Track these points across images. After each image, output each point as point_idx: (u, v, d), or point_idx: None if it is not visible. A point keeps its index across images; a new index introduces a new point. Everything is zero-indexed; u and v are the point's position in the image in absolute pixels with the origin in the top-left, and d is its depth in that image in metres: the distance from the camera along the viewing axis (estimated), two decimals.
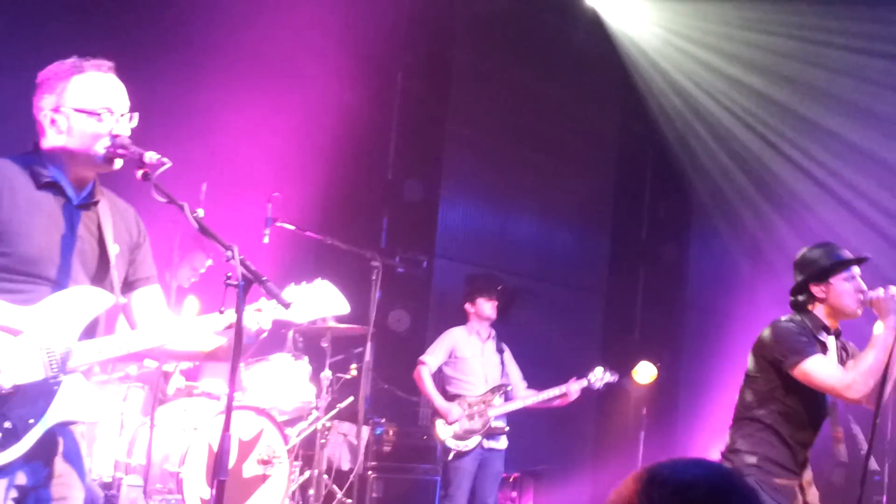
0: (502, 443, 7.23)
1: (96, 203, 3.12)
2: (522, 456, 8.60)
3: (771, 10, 8.89)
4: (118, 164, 3.07)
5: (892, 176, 9.40)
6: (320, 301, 3.33)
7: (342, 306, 3.38)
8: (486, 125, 9.75)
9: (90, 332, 3.02)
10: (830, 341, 4.31)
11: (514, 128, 9.96)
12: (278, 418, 6.18)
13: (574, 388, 7.19)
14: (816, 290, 4.29)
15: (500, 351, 7.39)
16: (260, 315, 3.16)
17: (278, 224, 6.19)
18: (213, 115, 7.29)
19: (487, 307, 7.29)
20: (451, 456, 7.02)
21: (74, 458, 3.04)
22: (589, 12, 9.80)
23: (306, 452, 6.76)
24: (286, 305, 3.11)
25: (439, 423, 7.09)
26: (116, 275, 3.11)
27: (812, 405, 4.22)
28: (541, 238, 10.45)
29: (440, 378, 7.32)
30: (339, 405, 6.82)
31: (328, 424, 6.76)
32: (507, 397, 7.26)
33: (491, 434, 7.12)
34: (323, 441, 6.70)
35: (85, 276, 3.04)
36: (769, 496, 4.14)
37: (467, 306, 7.36)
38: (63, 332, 2.94)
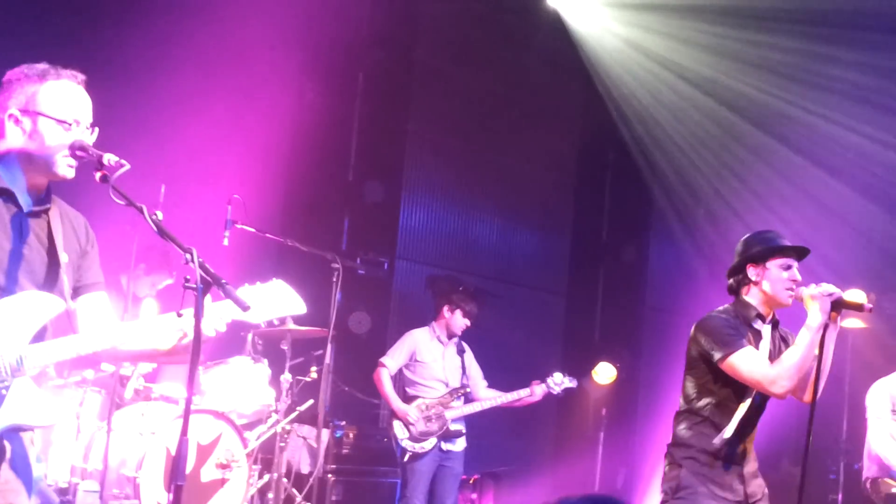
0: (459, 445, 7.23)
1: (47, 210, 3.07)
2: (482, 457, 8.61)
3: (733, 14, 8.96)
4: (72, 172, 3.03)
5: (855, 176, 9.53)
6: (276, 301, 3.31)
7: (298, 306, 3.36)
8: (448, 126, 9.75)
9: (39, 338, 2.98)
10: (766, 330, 4.33)
11: (476, 129, 9.96)
12: (237, 422, 6.14)
13: (538, 390, 7.22)
14: (752, 271, 4.30)
15: (462, 352, 7.39)
16: (215, 319, 3.13)
17: (238, 226, 6.15)
18: (172, 116, 7.21)
19: (460, 324, 7.30)
20: (406, 457, 7.02)
21: (21, 465, 2.99)
22: (551, 13, 9.82)
23: (265, 456, 6.71)
24: (245, 308, 3.08)
25: (396, 424, 7.08)
26: (67, 282, 3.07)
27: (743, 395, 4.23)
28: (502, 239, 10.47)
29: (400, 380, 7.31)
30: (298, 408, 6.78)
31: (287, 427, 6.71)
32: (467, 399, 7.27)
33: (448, 436, 7.12)
34: (282, 444, 6.65)
35: (32, 284, 3.00)
36: (706, 488, 4.18)
37: (445, 309, 7.33)
38: (11, 337, 2.89)
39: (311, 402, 6.76)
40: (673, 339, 10.68)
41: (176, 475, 2.87)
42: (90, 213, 3.31)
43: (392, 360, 7.23)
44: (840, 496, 9.48)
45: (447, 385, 7.22)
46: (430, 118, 9.57)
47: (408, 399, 7.17)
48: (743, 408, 4.22)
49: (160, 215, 3.02)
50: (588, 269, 11.34)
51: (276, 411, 6.58)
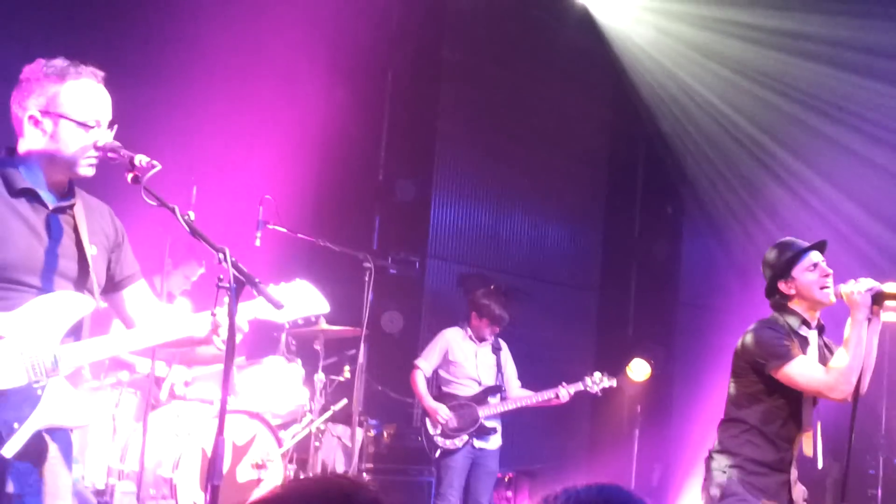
0: (493, 443, 7.20)
1: (72, 206, 3.08)
2: (518, 455, 8.58)
3: (770, 7, 8.84)
4: (93, 171, 3.04)
5: (881, 180, 9.40)
6: (300, 300, 3.32)
7: (322, 305, 3.37)
8: (477, 123, 9.71)
9: (73, 336, 2.99)
10: (812, 335, 4.35)
11: (505, 126, 9.92)
12: (272, 422, 6.15)
13: (563, 393, 7.15)
14: (784, 287, 4.34)
15: (498, 350, 7.36)
16: (243, 318, 3.14)
17: (270, 226, 6.16)
18: (203, 117, 7.24)
19: (486, 331, 7.27)
20: (437, 453, 7.01)
21: (62, 466, 3.00)
22: (579, 7, 9.77)
23: (300, 456, 6.72)
24: (279, 306, 3.09)
25: (428, 422, 7.09)
26: (95, 278, 3.07)
27: (795, 403, 4.26)
28: (533, 236, 10.42)
29: (436, 379, 7.30)
30: (332, 407, 6.79)
31: (322, 427, 6.72)
32: (502, 397, 7.24)
33: (481, 434, 7.10)
34: (317, 444, 6.66)
35: (66, 281, 3.01)
36: (752, 495, 4.21)
37: (473, 316, 7.31)
38: (45, 336, 2.90)
39: (344, 401, 6.77)
40: (707, 334, 10.65)
41: (212, 475, 2.87)
42: (122, 215, 3.32)
43: (426, 362, 7.22)
44: (879, 491, 9.36)
45: (480, 383, 7.19)
46: (459, 115, 9.54)
47: (442, 397, 7.16)
48: (795, 414, 4.27)
49: (192, 216, 3.02)
50: (621, 265, 11.26)
51: (311, 411, 6.59)
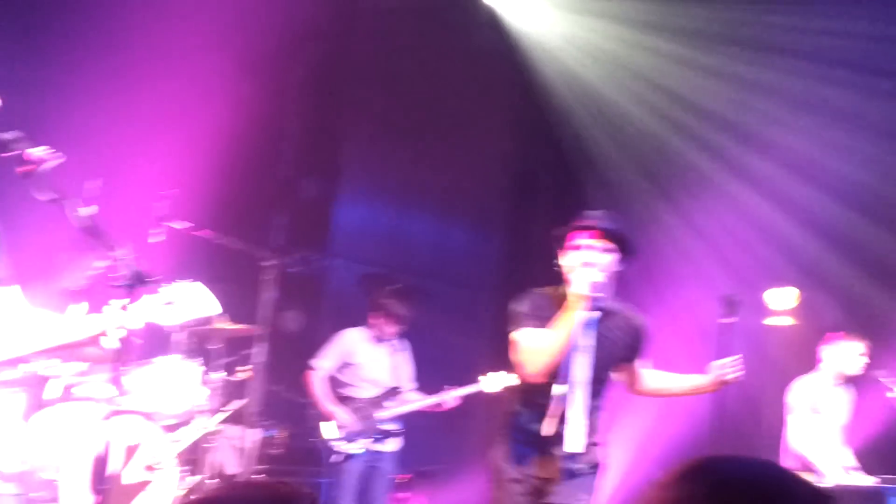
0: (391, 445, 7.18)
1: None
2: (414, 456, 8.55)
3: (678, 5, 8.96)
4: None
5: (787, 182, 9.62)
6: (192, 301, 3.25)
7: (214, 307, 3.32)
8: (384, 123, 9.67)
9: None
10: (590, 318, 4.35)
11: (412, 125, 9.90)
12: (165, 422, 6.00)
13: (448, 398, 7.16)
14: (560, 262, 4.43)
15: (398, 351, 7.33)
16: (135, 317, 3.07)
17: (169, 223, 6.02)
18: (104, 111, 7.04)
19: (387, 331, 7.24)
20: (336, 458, 6.95)
21: None
22: (487, 9, 9.81)
23: (193, 457, 6.58)
24: (169, 306, 3.02)
25: (326, 425, 7.01)
26: None
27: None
28: (438, 237, 10.43)
29: (334, 381, 7.23)
30: (228, 408, 6.67)
31: (216, 428, 6.60)
32: (402, 400, 7.21)
33: (379, 437, 7.06)
34: (210, 445, 6.53)
35: None
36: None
37: (374, 314, 7.27)
38: None
39: (240, 402, 6.65)
40: None
41: (101, 477, 2.78)
42: (19, 214, 3.19)
43: (324, 362, 7.15)
44: None
45: (379, 386, 7.16)
46: (366, 114, 9.49)
47: (340, 400, 7.09)
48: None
49: (90, 211, 2.92)
50: (522, 268, 11.33)
51: (206, 411, 6.46)
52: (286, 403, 8.08)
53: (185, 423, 6.45)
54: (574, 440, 4.21)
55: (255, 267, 6.41)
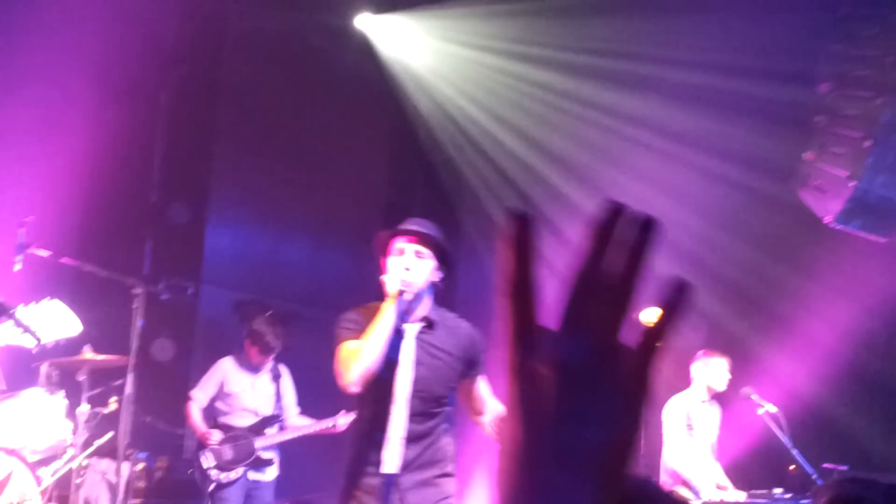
0: (270, 474, 7.07)
1: None
2: (293, 485, 8.44)
3: (545, 25, 9.12)
4: None
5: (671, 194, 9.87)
6: (52, 321, 3.16)
7: (74, 326, 3.22)
8: (256, 146, 9.56)
9: None
10: (408, 329, 4.10)
11: (285, 150, 9.82)
12: (30, 458, 5.77)
13: (341, 421, 7.12)
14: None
15: (277, 377, 7.24)
16: None
17: (32, 250, 5.81)
18: None
19: (258, 360, 7.14)
20: (211, 487, 6.82)
21: None
22: (359, 35, 9.84)
23: (62, 493, 6.34)
24: (39, 340, 2.92)
25: (203, 454, 6.88)
26: None
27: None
28: (312, 262, 10.34)
29: (212, 411, 7.10)
30: (97, 441, 6.46)
31: (85, 462, 6.38)
32: (280, 427, 7.12)
33: (257, 465, 6.95)
34: (79, 480, 6.30)
35: None
36: None
37: (247, 343, 7.16)
38: None
39: (110, 434, 6.46)
40: (491, 359, 10.89)
41: None
42: None
43: (201, 393, 7.02)
44: None
45: (257, 414, 7.05)
46: (237, 138, 9.37)
47: (220, 429, 6.96)
48: None
49: None
50: None
51: (73, 445, 6.24)
52: (160, 434, 7.88)
53: (53, 458, 6.22)
54: (391, 463, 3.90)
55: (124, 295, 6.22)
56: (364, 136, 10.76)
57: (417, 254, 4.05)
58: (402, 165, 11.28)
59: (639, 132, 9.37)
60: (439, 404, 4.10)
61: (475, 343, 4.25)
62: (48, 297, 3.17)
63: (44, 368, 6.27)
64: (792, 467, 7.33)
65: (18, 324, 2.86)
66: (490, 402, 4.27)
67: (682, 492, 6.86)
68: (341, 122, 10.30)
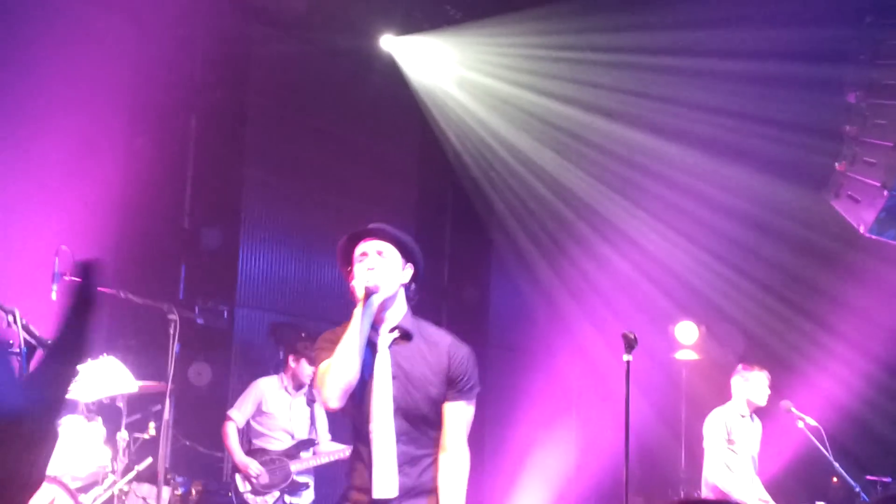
0: (306, 498, 7.07)
1: None
2: None
3: (569, 38, 9.09)
4: None
5: (682, 221, 9.84)
6: (106, 378, 3.16)
7: (129, 384, 3.22)
8: (285, 169, 9.61)
9: None
10: (382, 339, 3.82)
11: (314, 171, 9.86)
12: (71, 485, 5.81)
13: None
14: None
15: (312, 402, 7.24)
16: None
17: (67, 279, 5.87)
18: None
19: (307, 372, 7.11)
20: None
21: None
22: (385, 56, 9.88)
23: None
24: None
25: (238, 477, 6.89)
26: None
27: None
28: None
29: (247, 431, 7.11)
30: (136, 467, 6.49)
31: (125, 488, 6.41)
32: (315, 451, 7.12)
33: (293, 490, 6.95)
34: None
35: None
36: None
37: (290, 359, 7.17)
38: None
39: (149, 460, 6.49)
40: (516, 375, 10.87)
41: None
42: None
43: (239, 412, 7.03)
44: None
45: (293, 437, 7.06)
46: (267, 162, 9.43)
47: (252, 451, 6.97)
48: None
49: None
50: (430, 312, 11.31)
51: (113, 471, 6.28)
52: (198, 458, 7.91)
53: (94, 483, 6.26)
54: (384, 487, 3.62)
55: (159, 321, 6.26)
56: (393, 157, 10.80)
57: (379, 253, 3.81)
58: (431, 185, 11.30)
59: (674, 146, 9.35)
60: (427, 425, 3.72)
61: (459, 360, 3.79)
62: (104, 354, 3.17)
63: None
64: (834, 480, 7.22)
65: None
66: (450, 436, 3.80)
67: None
68: (370, 143, 10.34)
